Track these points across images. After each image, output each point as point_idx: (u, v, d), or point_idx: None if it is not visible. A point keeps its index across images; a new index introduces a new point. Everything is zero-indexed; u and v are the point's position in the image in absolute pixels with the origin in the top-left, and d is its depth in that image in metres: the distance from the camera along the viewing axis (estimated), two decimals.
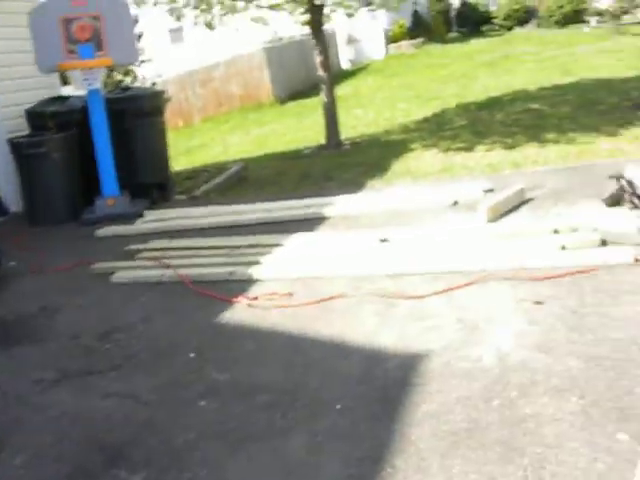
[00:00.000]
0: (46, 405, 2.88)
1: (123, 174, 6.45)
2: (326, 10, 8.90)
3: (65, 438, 2.60)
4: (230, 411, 2.65)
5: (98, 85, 6.44)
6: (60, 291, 4.35)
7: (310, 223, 5.00)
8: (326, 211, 5.22)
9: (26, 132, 6.85)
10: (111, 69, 11.74)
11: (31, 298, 4.29)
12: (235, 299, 3.73)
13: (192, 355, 3.15)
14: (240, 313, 3.59)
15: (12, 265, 5.05)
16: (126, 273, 4.39)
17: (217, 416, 2.63)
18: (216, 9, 9.00)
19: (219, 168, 8.48)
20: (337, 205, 5.32)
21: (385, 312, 3.31)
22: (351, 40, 23.49)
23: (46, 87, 7.42)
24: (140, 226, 5.73)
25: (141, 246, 4.92)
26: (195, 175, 8.31)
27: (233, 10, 9.01)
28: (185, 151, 12.35)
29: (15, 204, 7.03)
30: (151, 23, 18.19)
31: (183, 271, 4.21)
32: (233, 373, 2.95)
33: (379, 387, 2.66)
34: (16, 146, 6.53)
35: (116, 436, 2.56)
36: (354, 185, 6.20)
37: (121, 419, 2.68)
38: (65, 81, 8.32)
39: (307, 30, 9.17)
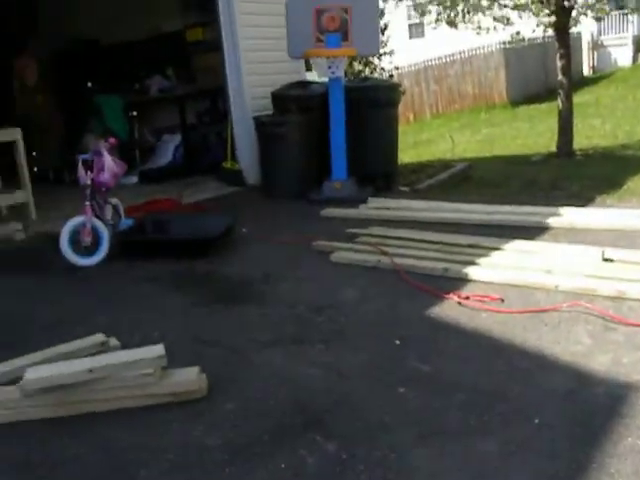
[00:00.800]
0: (259, 363, 3.13)
1: (352, 160, 6.71)
2: (574, 13, 8.51)
3: (271, 396, 2.81)
4: (427, 402, 2.69)
5: (340, 74, 6.75)
6: (283, 261, 4.67)
7: (531, 231, 4.86)
8: (549, 221, 5.03)
9: (270, 112, 7.37)
10: (353, 59, 12.17)
11: (257, 264, 4.65)
12: (446, 295, 3.75)
13: (397, 342, 3.23)
14: (449, 310, 3.60)
15: (244, 232, 5.51)
16: (345, 254, 4.59)
17: (414, 405, 2.68)
18: (460, 7, 8.99)
19: (444, 165, 8.48)
20: (561, 216, 5.11)
21: (600, 335, 3.14)
22: (596, 45, 22.10)
23: (292, 72, 7.90)
24: (362, 212, 5.93)
25: (361, 231, 5.10)
26: (420, 169, 8.39)
27: (477, 8, 8.94)
28: (413, 145, 12.51)
29: (253, 177, 7.65)
30: (392, 17, 18.58)
31: (398, 260, 4.31)
32: (435, 366, 2.98)
33: (583, 410, 2.54)
34: (260, 124, 7.07)
35: (317, 403, 2.72)
36: (582, 198, 5.89)
37: (323, 389, 2.84)
38: (308, 67, 8.78)
39: (550, 32, 8.83)
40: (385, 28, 14.37)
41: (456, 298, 3.70)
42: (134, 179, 8.30)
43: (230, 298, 4.02)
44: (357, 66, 14.04)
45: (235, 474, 2.30)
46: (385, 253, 4.47)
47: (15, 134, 6.51)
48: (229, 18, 7.59)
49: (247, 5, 7.64)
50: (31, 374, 2.71)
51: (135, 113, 9.25)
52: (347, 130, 6.65)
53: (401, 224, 5.34)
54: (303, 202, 6.54)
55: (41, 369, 2.77)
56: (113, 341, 3.27)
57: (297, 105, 7.07)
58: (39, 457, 2.51)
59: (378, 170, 7.13)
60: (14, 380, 2.85)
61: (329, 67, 6.66)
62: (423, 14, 10.31)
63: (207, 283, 4.35)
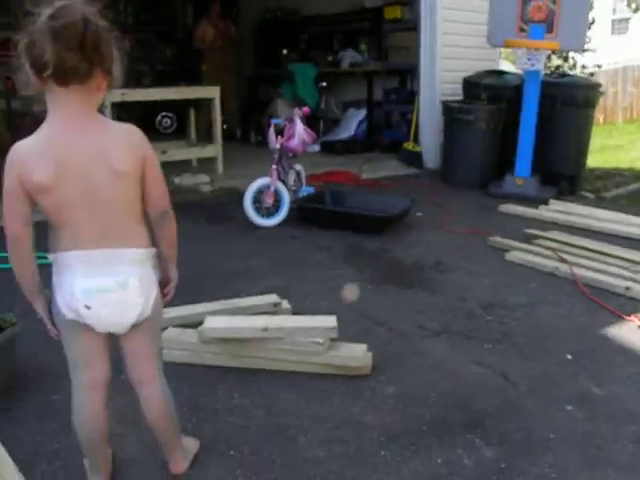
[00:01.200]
0: (424, 351, 3.10)
1: (537, 158, 6.42)
2: None
3: (433, 387, 2.78)
4: (596, 427, 2.52)
5: (540, 67, 6.43)
6: (456, 252, 4.58)
7: None
8: None
9: (459, 98, 7.23)
10: (553, 52, 11.57)
11: (430, 250, 4.60)
12: (627, 317, 3.50)
13: (569, 356, 3.06)
14: (628, 332, 3.35)
15: (419, 215, 5.47)
16: (521, 254, 4.42)
17: (582, 427, 2.53)
18: None
19: (635, 175, 7.90)
20: None
21: None
22: None
23: (486, 60, 7.70)
24: (543, 213, 5.67)
25: (540, 232, 4.88)
26: (606, 176, 7.89)
27: None
28: (600, 149, 11.72)
29: (433, 161, 7.57)
30: (595, 11, 17.41)
31: (577, 270, 4.08)
32: (608, 390, 2.79)
33: None
34: (448, 109, 6.95)
35: (479, 404, 2.65)
36: None
37: (487, 390, 2.76)
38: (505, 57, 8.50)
39: None
40: (592, 22, 13.50)
41: (637, 321, 3.45)
42: (316, 148, 8.50)
43: (400, 280, 4.01)
44: (555, 60, 13.34)
45: (390, 459, 2.30)
46: (564, 260, 4.25)
47: (214, 92, 6.88)
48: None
49: None
50: (210, 322, 2.87)
51: (325, 84, 9.43)
52: (537, 126, 6.36)
53: (583, 232, 5.05)
54: (481, 194, 6.38)
55: (219, 319, 2.92)
56: (285, 303, 3.38)
57: (488, 94, 6.88)
58: (206, 401, 2.66)
59: (563, 172, 6.76)
60: (194, 324, 3.03)
61: (529, 59, 6.36)
62: (637, 10, 9.60)
63: (379, 261, 4.37)
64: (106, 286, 1.79)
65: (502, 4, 6.35)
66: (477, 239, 4.84)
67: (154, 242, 1.93)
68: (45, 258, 1.85)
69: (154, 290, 1.90)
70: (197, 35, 9.42)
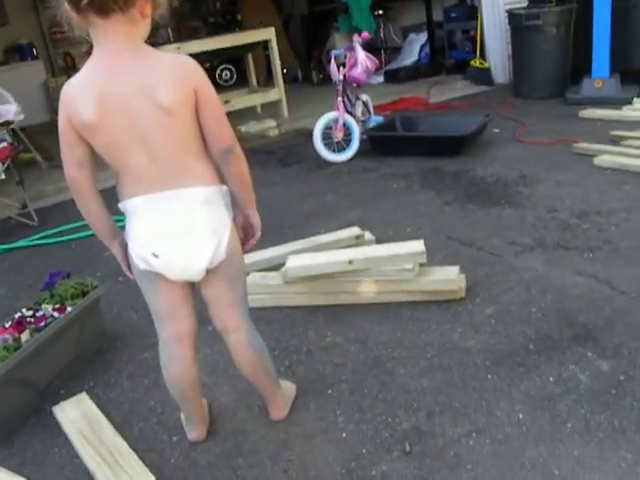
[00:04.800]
0: (519, 267, 2.93)
1: (615, 56, 5.96)
2: None
3: (533, 303, 2.62)
4: None
5: None
6: (540, 163, 4.32)
7: None
8: None
9: (525, 4, 6.78)
10: None
11: (512, 165, 4.35)
12: None
13: None
14: None
15: (496, 132, 5.20)
16: (610, 158, 4.13)
17: None
18: None
19: None
20: None
21: None
22: None
23: None
24: (627, 113, 5.29)
25: (627, 133, 4.55)
26: None
27: None
28: None
29: (502, 75, 7.19)
30: None
31: None
32: None
33: None
34: (514, 17, 6.52)
35: (586, 316, 2.48)
36: None
37: (593, 301, 2.58)
38: None
39: None
40: None
41: None
42: (380, 79, 8.24)
43: (485, 198, 3.82)
44: None
45: (498, 382, 2.18)
46: None
47: (269, 33, 6.70)
48: None
49: None
50: (292, 262, 2.79)
51: (382, 12, 9.08)
52: (611, 21, 5.89)
53: None
54: (559, 101, 6.01)
55: (302, 257, 2.84)
56: (368, 235, 3.27)
57: None
58: (297, 342, 2.60)
59: None
60: (277, 266, 2.96)
61: None
62: None
63: (459, 182, 4.18)
64: (171, 230, 1.70)
65: None
66: (561, 148, 4.55)
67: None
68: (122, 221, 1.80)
69: (227, 231, 1.78)
70: None
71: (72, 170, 1.70)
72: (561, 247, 3.06)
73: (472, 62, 7.50)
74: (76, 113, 1.60)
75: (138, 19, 1.60)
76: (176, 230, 1.70)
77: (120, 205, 1.75)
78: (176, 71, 1.64)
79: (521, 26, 6.42)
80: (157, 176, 1.67)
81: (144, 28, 1.65)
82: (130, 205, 1.71)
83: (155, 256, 1.72)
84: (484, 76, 7.35)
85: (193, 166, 1.71)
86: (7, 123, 5.23)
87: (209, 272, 1.80)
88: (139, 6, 1.59)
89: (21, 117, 5.54)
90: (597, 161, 4.15)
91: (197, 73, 1.66)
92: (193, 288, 1.88)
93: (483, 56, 7.47)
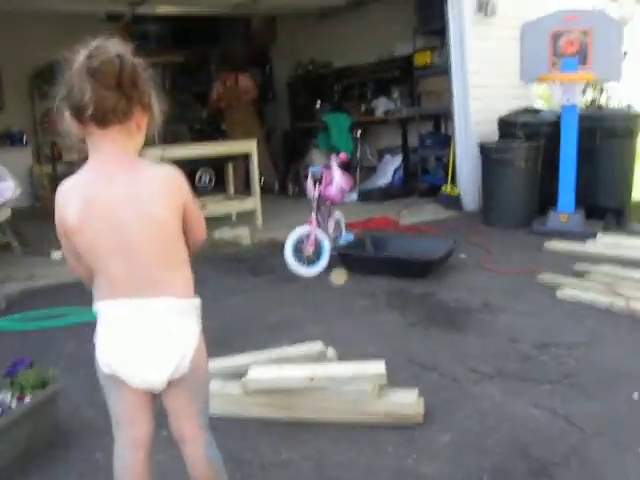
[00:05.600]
0: (477, 395, 2.94)
1: (580, 192, 6.27)
2: None
3: (490, 433, 2.62)
4: None
5: (575, 101, 6.33)
6: (503, 292, 4.43)
7: None
8: None
9: (495, 138, 7.15)
10: (587, 86, 11.49)
11: (476, 292, 4.45)
12: None
13: (636, 396, 2.88)
14: None
15: (462, 257, 5.34)
16: (572, 291, 4.25)
17: None
18: None
19: None
20: None
21: None
22: None
23: (520, 98, 7.63)
24: (591, 247, 5.49)
25: (591, 268, 4.71)
26: None
27: None
28: None
29: (472, 203, 7.47)
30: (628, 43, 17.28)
31: (634, 305, 3.90)
32: None
33: None
34: (484, 150, 6.86)
35: (542, 451, 2.47)
36: None
37: (550, 435, 2.58)
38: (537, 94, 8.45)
39: None
40: (626, 54, 13.38)
41: None
42: (354, 196, 8.48)
43: (448, 323, 3.88)
44: (591, 93, 13.22)
45: None
46: (620, 295, 4.07)
47: (251, 146, 6.94)
48: (460, 42, 7.53)
49: (478, 29, 7.53)
50: (254, 373, 2.78)
51: (359, 133, 9.48)
52: (577, 160, 6.23)
53: (636, 265, 4.85)
54: (525, 232, 6.24)
55: (264, 369, 2.83)
56: (330, 351, 3.27)
57: (525, 132, 6.79)
58: (251, 456, 2.54)
59: (608, 205, 6.58)
60: (237, 375, 2.94)
61: (563, 93, 6.29)
62: None
63: (424, 305, 4.25)
64: (137, 339, 1.72)
65: (533, 41, 6.32)
66: (524, 278, 4.68)
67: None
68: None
69: (193, 344, 1.78)
70: (210, 98, 9.77)
71: (70, 259, 1.80)
72: (520, 378, 3.09)
73: (443, 188, 7.80)
74: (63, 214, 1.67)
75: (134, 130, 1.69)
76: (142, 339, 1.72)
77: (94, 305, 1.77)
78: (166, 184, 1.71)
79: (491, 159, 6.74)
80: (131, 283, 1.70)
81: (138, 139, 1.73)
82: (102, 307, 1.74)
83: (119, 361, 1.73)
84: (454, 202, 7.62)
85: (168, 278, 1.74)
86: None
87: (171, 383, 1.79)
88: (136, 119, 1.68)
89: (18, 192, 5.65)
90: (560, 294, 4.27)
91: (184, 187, 1.75)
92: (155, 396, 1.86)
93: (454, 182, 7.78)
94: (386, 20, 9.21)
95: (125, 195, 1.66)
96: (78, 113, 1.62)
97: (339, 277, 3.18)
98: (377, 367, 2.69)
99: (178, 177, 1.74)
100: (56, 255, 5.54)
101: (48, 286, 5.14)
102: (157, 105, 1.74)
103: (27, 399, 2.57)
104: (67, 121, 1.65)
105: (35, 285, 5.24)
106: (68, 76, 1.62)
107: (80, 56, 1.62)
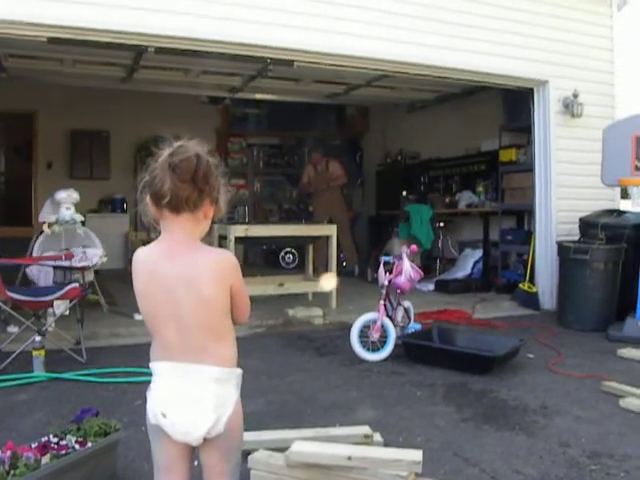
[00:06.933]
0: None
1: None
2: None
3: None
4: None
5: None
6: (564, 395, 4.37)
7: None
8: None
9: (576, 238, 7.13)
10: None
11: (537, 393, 4.42)
12: None
13: None
14: None
15: (530, 357, 5.32)
16: (637, 401, 4.16)
17: None
18: None
19: None
20: None
21: None
22: None
23: (604, 199, 7.61)
24: None
25: None
26: None
27: None
28: None
29: (549, 302, 7.41)
30: None
31: None
32: None
33: None
34: (563, 249, 6.85)
35: None
36: None
37: None
38: (624, 195, 8.40)
39: None
40: None
41: None
42: (431, 287, 8.56)
43: (501, 421, 3.87)
44: None
45: None
46: None
47: (331, 230, 7.21)
48: (544, 141, 7.67)
49: (562, 129, 7.66)
50: (297, 447, 2.90)
51: (442, 224, 9.63)
52: None
53: None
54: (599, 337, 6.12)
55: (307, 444, 2.94)
56: (377, 436, 3.36)
57: (607, 233, 6.75)
58: None
59: None
60: (283, 449, 3.07)
61: None
62: None
63: (481, 401, 4.25)
64: (182, 397, 1.95)
65: (616, 145, 6.37)
66: (590, 383, 4.61)
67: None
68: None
69: (230, 409, 1.99)
70: (301, 180, 10.33)
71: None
72: None
73: (521, 285, 7.77)
74: (134, 281, 2.00)
75: (201, 218, 1.98)
76: (186, 398, 1.95)
77: (150, 364, 2.04)
78: (218, 266, 1.98)
79: (569, 258, 6.71)
80: (182, 349, 1.96)
81: (204, 226, 2.02)
82: (155, 367, 2.01)
83: (163, 415, 1.97)
84: (531, 300, 7.57)
85: (214, 347, 1.99)
86: (85, 268, 5.84)
87: (207, 440, 2.00)
88: (204, 209, 1.97)
89: (104, 260, 6.25)
90: (623, 403, 4.18)
91: (234, 270, 2.01)
92: (192, 449, 2.06)
93: (532, 280, 7.74)
94: (474, 115, 9.50)
95: (182, 273, 1.94)
96: (157, 199, 1.92)
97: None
98: (414, 454, 2.76)
99: (229, 261, 2.01)
100: (138, 316, 5.92)
101: (127, 345, 5.54)
102: (224, 198, 2.03)
103: (88, 444, 2.82)
104: (147, 204, 1.96)
105: (116, 343, 5.65)
106: (153, 167, 1.94)
107: (165, 152, 1.94)
